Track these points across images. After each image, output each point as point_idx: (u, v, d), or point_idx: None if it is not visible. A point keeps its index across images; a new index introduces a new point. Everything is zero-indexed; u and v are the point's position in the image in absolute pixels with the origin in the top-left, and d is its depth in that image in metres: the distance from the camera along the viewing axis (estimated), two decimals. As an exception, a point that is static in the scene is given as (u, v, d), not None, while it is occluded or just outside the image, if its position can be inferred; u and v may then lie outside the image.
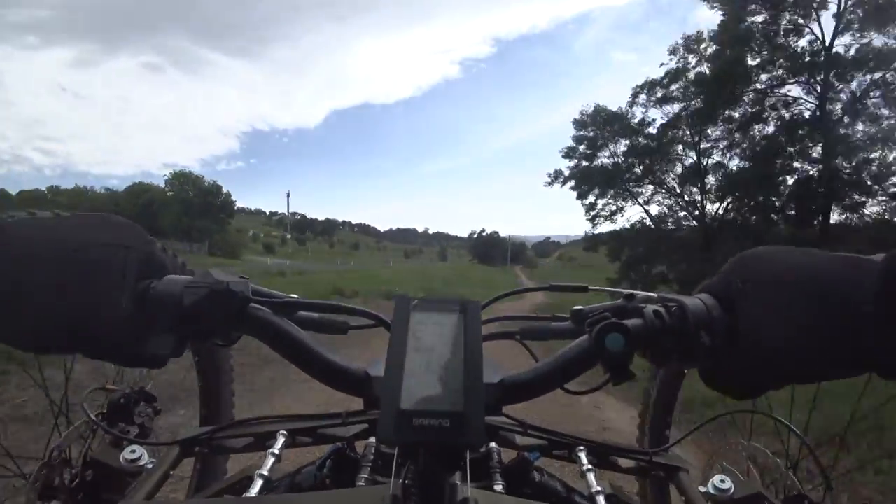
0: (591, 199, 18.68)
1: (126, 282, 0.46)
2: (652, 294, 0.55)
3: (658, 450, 0.57)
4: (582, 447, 0.55)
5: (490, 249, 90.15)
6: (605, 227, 18.71)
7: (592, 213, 18.81)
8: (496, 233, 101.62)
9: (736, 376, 0.47)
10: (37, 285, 0.43)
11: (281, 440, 0.53)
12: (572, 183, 18.67)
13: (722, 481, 0.56)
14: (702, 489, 0.56)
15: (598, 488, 0.48)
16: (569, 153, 19.01)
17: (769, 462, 0.64)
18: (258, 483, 0.46)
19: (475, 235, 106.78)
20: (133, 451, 0.58)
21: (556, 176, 19.36)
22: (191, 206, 43.61)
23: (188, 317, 0.46)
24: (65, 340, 0.46)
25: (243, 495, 0.45)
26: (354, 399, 0.50)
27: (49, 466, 0.59)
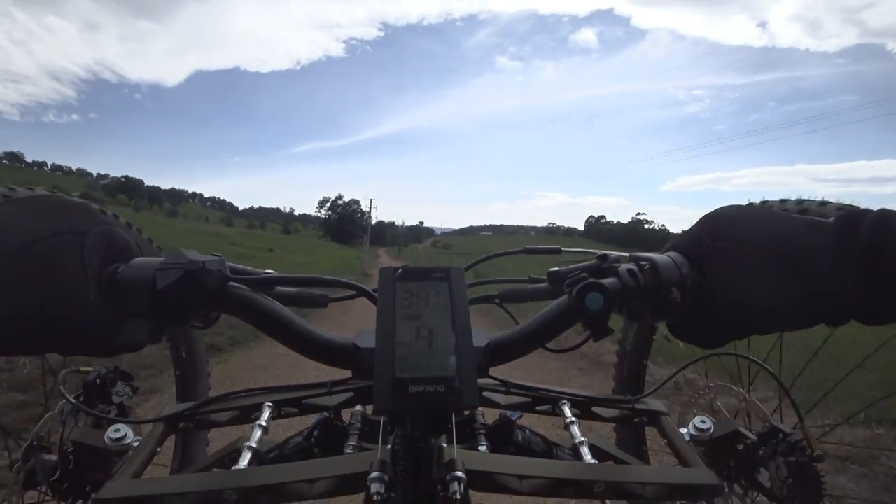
0: None
1: (87, 271, 0.44)
2: (623, 254, 0.57)
3: (639, 397, 0.59)
4: (565, 401, 0.56)
5: (347, 225, 70.92)
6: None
7: None
8: (355, 203, 75.03)
9: (704, 328, 0.51)
10: None
11: (267, 412, 0.53)
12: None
13: (702, 422, 0.58)
14: (683, 431, 0.58)
15: (582, 439, 0.50)
16: None
17: (748, 404, 0.67)
18: (247, 455, 0.46)
19: (327, 205, 76.54)
20: (117, 430, 0.57)
21: None
22: None
23: (163, 301, 0.44)
24: (31, 341, 0.44)
25: (232, 468, 0.45)
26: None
27: (30, 454, 0.57)
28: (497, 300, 0.73)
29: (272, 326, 0.49)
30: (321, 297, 0.62)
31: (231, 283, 0.48)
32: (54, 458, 0.59)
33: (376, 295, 0.47)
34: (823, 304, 0.46)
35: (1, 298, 0.41)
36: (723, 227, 0.50)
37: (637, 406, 0.58)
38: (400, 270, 0.48)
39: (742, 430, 0.58)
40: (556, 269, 0.65)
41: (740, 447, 0.57)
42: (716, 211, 0.52)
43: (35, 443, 0.59)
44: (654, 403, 0.59)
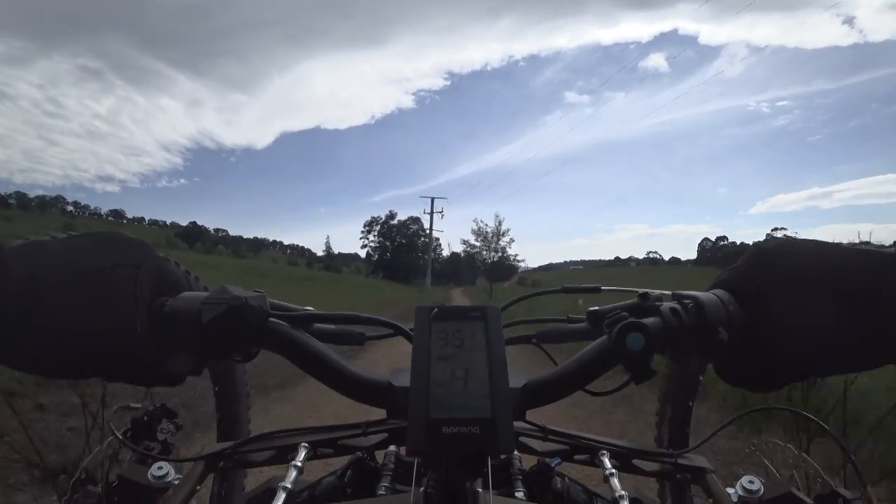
0: None
1: (139, 301, 0.46)
2: (665, 292, 0.55)
3: (682, 451, 0.57)
4: (604, 451, 0.54)
5: (404, 256, 49.97)
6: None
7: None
8: (414, 223, 50.82)
9: (754, 370, 0.47)
10: (45, 312, 0.43)
11: (303, 452, 0.54)
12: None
13: (751, 482, 0.55)
14: (730, 490, 0.54)
15: (622, 493, 0.48)
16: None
17: (799, 462, 0.62)
18: (281, 496, 0.47)
19: (377, 226, 53.16)
20: (160, 468, 0.59)
21: None
22: None
23: (206, 334, 0.46)
24: (80, 365, 0.46)
25: None
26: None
27: (77, 487, 0.60)
28: (534, 340, 0.72)
29: (309, 363, 0.50)
30: (359, 335, 0.63)
31: (272, 318, 0.50)
32: (99, 491, 0.61)
33: (413, 334, 0.47)
34: (890, 342, 0.42)
35: (55, 322, 0.43)
36: (771, 260, 0.47)
37: (680, 461, 0.55)
38: (436, 310, 0.48)
39: (796, 492, 0.54)
40: (596, 308, 0.63)
41: None
42: (763, 243, 0.50)
43: (83, 475, 0.62)
44: (699, 459, 0.56)
